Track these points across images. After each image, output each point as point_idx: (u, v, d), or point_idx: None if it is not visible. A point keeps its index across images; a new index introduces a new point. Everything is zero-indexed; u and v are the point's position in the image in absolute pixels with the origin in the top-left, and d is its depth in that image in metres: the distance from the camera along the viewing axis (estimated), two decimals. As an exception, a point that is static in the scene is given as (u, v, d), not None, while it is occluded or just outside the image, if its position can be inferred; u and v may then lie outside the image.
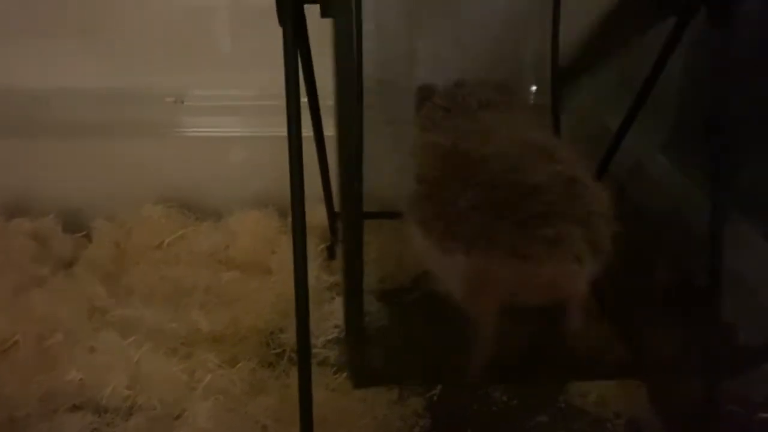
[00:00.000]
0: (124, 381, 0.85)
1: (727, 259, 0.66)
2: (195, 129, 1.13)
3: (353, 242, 0.47)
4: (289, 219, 1.13)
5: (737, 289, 0.69)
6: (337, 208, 1.06)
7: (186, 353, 0.89)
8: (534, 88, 1.09)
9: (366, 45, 1.00)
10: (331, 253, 1.09)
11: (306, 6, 0.63)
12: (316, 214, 1.07)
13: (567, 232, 0.64)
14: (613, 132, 0.91)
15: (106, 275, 1.01)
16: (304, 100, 0.74)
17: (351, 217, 0.47)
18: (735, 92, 0.68)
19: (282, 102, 0.82)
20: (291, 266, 1.05)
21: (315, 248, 1.08)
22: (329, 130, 0.97)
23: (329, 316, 0.97)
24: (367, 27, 1.02)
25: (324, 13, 0.69)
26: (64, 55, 1.09)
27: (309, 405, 0.67)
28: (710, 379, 0.69)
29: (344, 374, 0.87)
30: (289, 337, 0.92)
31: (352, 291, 0.52)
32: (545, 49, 1.01)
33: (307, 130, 0.86)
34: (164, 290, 0.98)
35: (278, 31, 0.62)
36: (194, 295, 0.98)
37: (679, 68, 0.84)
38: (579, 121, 1.04)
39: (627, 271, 0.87)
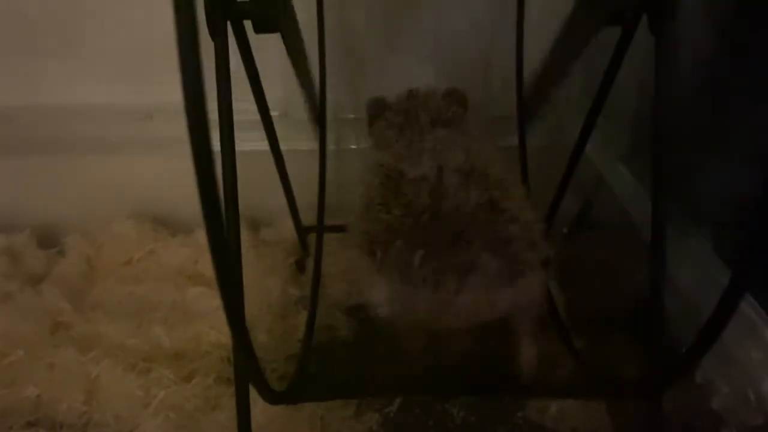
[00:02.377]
0: (80, 397, 0.85)
1: (672, 269, 0.65)
2: (166, 144, 1.13)
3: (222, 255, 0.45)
4: (261, 232, 1.15)
5: (681, 300, 0.68)
6: (304, 221, 1.06)
7: (144, 369, 0.89)
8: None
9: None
10: (300, 267, 1.08)
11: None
12: (286, 227, 1.07)
13: (479, 260, 0.62)
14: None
15: (74, 291, 1.01)
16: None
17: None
18: (680, 99, 0.67)
19: (255, 116, 0.84)
20: (260, 281, 1.05)
21: (283, 262, 1.08)
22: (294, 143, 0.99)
23: (293, 331, 0.96)
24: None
25: (257, 29, 0.69)
26: (34, 73, 1.10)
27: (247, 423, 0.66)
28: (653, 394, 0.67)
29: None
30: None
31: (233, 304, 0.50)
32: (511, 59, 1.00)
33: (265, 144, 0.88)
34: (129, 306, 0.99)
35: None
36: (159, 310, 0.98)
37: (635, 78, 0.83)
38: (545, 131, 1.02)
39: (585, 286, 0.86)
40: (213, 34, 0.63)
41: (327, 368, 0.86)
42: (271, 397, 0.58)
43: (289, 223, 1.05)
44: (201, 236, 1.11)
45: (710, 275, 0.68)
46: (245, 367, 0.67)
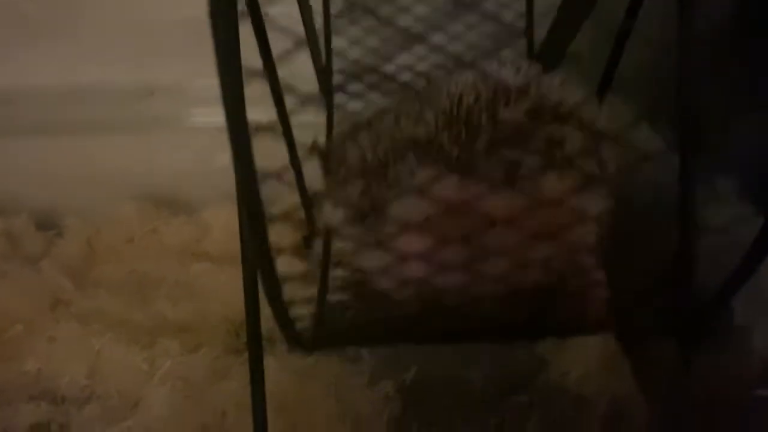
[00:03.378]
0: (83, 370, 0.82)
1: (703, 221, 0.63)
2: (167, 123, 1.11)
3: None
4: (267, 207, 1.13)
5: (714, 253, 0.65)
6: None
7: (149, 342, 0.86)
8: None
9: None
10: (307, 243, 1.05)
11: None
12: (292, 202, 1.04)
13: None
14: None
15: (74, 269, 0.98)
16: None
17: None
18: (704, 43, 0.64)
19: (261, 91, 0.80)
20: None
21: (291, 236, 1.05)
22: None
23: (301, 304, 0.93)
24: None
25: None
26: (30, 53, 1.08)
27: (261, 387, 0.63)
28: (686, 353, 0.65)
29: (311, 358, 0.83)
30: (262, 326, 0.89)
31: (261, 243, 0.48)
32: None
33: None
34: (132, 283, 0.95)
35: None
36: (162, 287, 0.95)
37: (652, 26, 0.81)
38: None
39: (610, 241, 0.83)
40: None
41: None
42: (298, 341, 0.55)
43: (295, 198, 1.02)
44: (205, 215, 1.08)
45: (740, 219, 0.65)
46: (257, 326, 0.65)
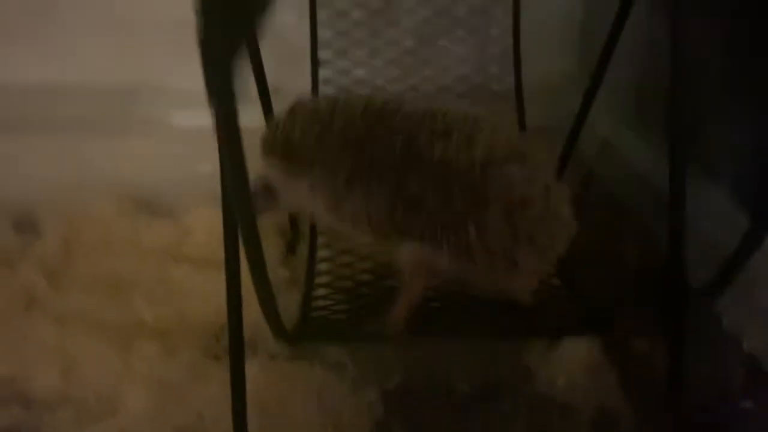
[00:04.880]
0: (56, 373, 0.80)
1: (690, 220, 0.62)
2: (149, 123, 1.09)
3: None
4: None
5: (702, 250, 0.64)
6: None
7: (125, 344, 0.83)
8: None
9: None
10: (290, 248, 1.04)
11: None
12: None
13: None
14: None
15: (50, 269, 0.95)
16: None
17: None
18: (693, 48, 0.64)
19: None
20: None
21: (274, 243, 1.03)
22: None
23: (284, 309, 0.91)
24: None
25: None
26: (12, 51, 1.06)
27: (242, 391, 0.61)
28: (676, 354, 0.64)
29: (293, 365, 0.81)
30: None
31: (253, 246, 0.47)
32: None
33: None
34: (109, 283, 0.93)
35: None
36: (140, 287, 0.92)
37: (637, 37, 0.81)
38: (545, 106, 1.00)
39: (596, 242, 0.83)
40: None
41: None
42: (284, 334, 0.54)
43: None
44: (185, 218, 1.06)
45: (729, 219, 0.65)
46: (238, 328, 0.63)
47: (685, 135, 0.62)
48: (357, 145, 0.68)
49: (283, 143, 0.70)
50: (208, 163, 1.04)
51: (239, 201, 0.45)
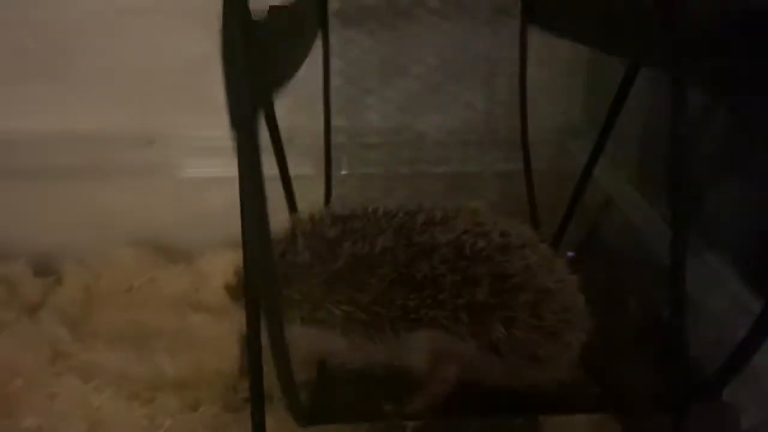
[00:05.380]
0: (83, 428, 0.83)
1: (692, 290, 0.64)
2: (166, 171, 1.12)
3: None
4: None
5: (703, 321, 0.67)
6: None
7: (148, 398, 0.86)
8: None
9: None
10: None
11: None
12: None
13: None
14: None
15: (72, 319, 0.99)
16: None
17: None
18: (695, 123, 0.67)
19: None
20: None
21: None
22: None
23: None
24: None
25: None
26: (32, 99, 1.09)
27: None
28: (678, 416, 0.66)
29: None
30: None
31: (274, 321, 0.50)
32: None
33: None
34: (130, 334, 0.96)
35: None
36: (161, 338, 0.95)
37: (643, 100, 0.84)
38: (548, 156, 1.03)
39: (598, 308, 0.85)
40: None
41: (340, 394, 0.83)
42: (303, 417, 0.57)
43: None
44: (202, 264, 1.10)
45: (737, 300, 0.67)
46: (260, 396, 0.66)
47: (686, 206, 0.65)
48: (330, 250, 0.67)
49: None
50: (219, 207, 1.10)
51: (261, 254, 0.46)
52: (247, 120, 0.44)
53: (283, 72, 0.59)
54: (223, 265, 1.07)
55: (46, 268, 1.10)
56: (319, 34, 0.94)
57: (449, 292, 0.63)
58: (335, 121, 1.05)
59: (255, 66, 0.44)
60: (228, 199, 1.11)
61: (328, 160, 1.02)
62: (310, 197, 0.97)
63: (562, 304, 0.66)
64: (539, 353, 0.65)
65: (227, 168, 1.10)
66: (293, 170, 0.87)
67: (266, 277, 0.49)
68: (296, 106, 1.07)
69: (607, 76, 0.95)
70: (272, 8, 0.52)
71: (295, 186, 0.89)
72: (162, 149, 1.13)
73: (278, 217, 0.84)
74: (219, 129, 1.10)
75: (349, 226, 0.69)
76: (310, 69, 1.04)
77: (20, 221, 1.12)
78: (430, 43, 1.07)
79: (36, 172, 1.11)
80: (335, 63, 1.05)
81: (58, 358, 0.92)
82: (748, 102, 0.69)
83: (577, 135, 1.06)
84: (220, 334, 0.97)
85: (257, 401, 0.64)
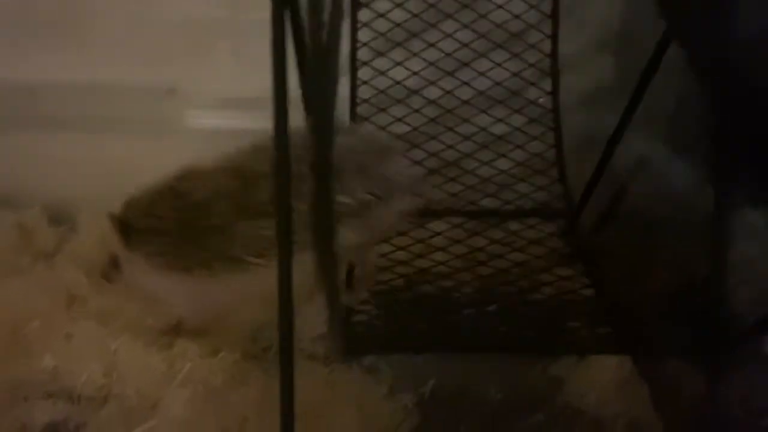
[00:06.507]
0: (100, 369, 0.82)
1: (732, 247, 0.63)
2: (184, 121, 1.10)
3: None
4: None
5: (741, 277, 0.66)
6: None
7: (167, 343, 0.85)
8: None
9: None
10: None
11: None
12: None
13: None
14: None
15: (88, 266, 0.97)
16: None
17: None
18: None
19: None
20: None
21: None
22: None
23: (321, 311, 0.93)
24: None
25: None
26: (53, 48, 1.07)
27: (291, 396, 0.63)
28: (712, 375, 0.65)
29: (330, 368, 0.83)
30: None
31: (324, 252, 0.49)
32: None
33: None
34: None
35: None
36: (178, 287, 0.93)
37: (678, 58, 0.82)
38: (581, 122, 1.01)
39: (629, 262, 0.84)
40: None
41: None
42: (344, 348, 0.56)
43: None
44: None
45: None
46: (289, 334, 0.64)
47: (729, 161, 0.63)
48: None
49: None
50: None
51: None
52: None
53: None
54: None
55: (61, 217, 1.08)
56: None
57: None
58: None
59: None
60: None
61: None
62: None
63: None
64: None
65: (242, 120, 1.09)
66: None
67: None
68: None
69: (638, 41, 0.94)
70: None
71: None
72: (178, 100, 1.11)
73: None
74: (238, 79, 1.09)
75: None
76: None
77: (36, 170, 1.10)
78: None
79: (54, 122, 1.10)
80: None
81: (75, 302, 0.91)
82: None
83: (606, 97, 1.04)
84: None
85: (286, 334, 0.62)
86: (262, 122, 0.56)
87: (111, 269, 0.90)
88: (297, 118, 0.55)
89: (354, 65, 1.01)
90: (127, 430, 0.76)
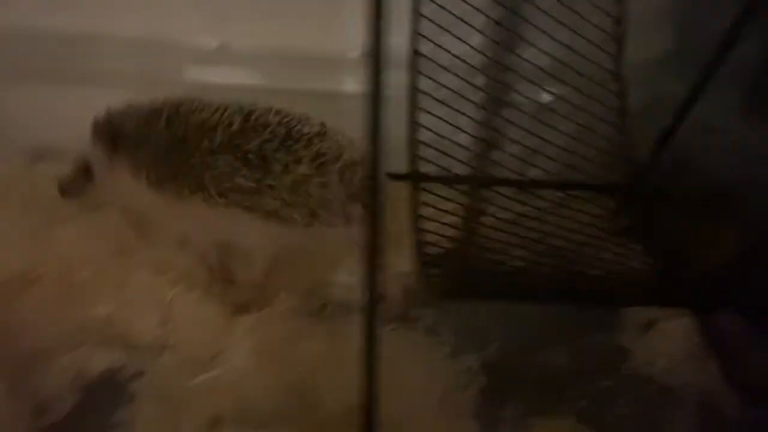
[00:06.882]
0: (155, 319, 0.79)
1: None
2: (228, 78, 1.08)
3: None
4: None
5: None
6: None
7: (220, 296, 0.83)
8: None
9: None
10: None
11: None
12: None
13: None
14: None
15: (139, 218, 0.94)
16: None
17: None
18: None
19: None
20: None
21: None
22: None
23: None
24: None
25: None
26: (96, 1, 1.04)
27: (372, 347, 0.61)
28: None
29: (392, 327, 0.81)
30: (334, 291, 0.86)
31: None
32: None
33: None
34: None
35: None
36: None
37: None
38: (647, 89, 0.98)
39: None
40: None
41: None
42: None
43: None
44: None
45: None
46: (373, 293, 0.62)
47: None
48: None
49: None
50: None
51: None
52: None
53: None
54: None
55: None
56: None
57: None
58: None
59: None
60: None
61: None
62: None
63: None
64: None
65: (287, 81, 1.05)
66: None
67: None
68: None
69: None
70: None
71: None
72: (226, 56, 1.08)
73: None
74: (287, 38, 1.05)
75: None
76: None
77: (79, 124, 1.08)
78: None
79: (96, 76, 1.06)
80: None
81: (126, 251, 0.88)
82: None
83: (675, 65, 1.01)
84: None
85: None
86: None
87: (78, 179, 0.88)
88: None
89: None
90: (188, 379, 0.74)
